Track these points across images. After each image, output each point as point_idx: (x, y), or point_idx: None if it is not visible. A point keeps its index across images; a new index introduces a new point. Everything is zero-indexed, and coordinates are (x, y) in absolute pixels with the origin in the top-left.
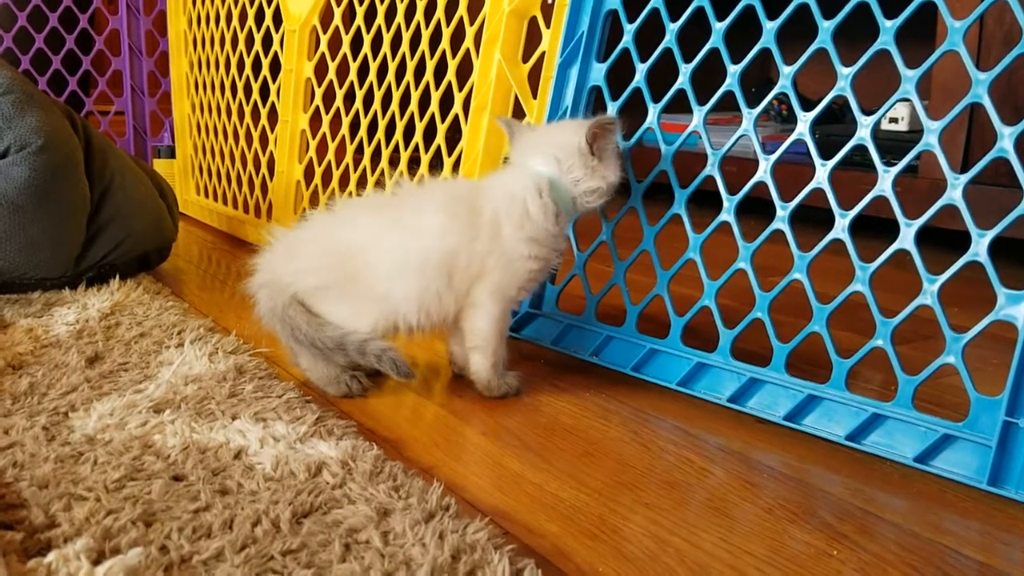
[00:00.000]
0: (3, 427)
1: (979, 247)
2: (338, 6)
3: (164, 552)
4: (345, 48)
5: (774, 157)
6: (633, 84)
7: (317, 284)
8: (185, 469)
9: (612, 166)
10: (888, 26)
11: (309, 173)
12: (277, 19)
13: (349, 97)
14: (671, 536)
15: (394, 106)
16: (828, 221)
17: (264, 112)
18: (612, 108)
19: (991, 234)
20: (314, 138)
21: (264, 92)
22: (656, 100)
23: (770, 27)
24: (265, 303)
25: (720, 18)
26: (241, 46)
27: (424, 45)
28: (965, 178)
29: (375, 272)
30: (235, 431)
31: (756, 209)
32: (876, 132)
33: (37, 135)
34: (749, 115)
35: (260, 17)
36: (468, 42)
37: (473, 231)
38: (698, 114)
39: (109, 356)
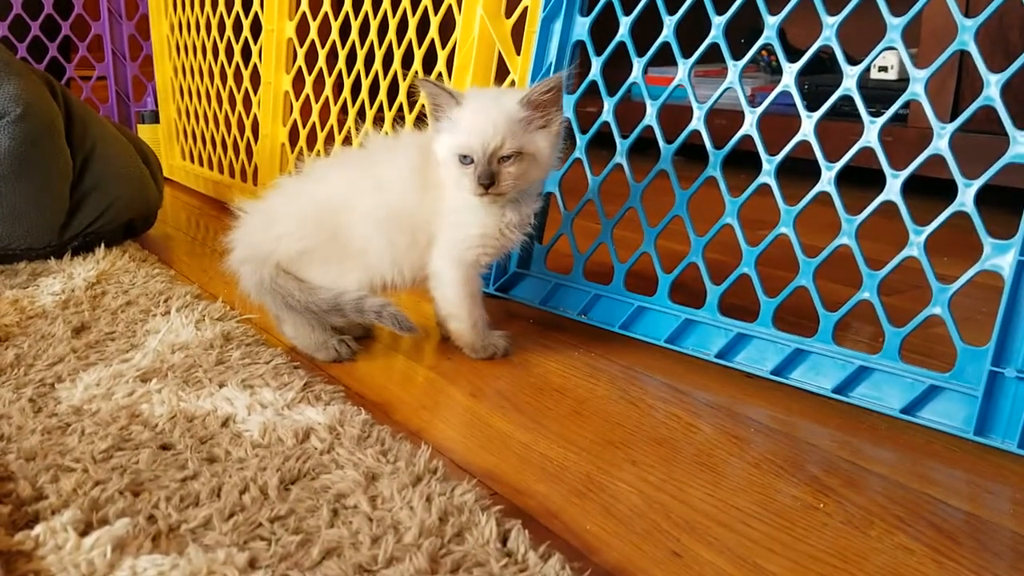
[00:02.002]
0: None
1: (965, 197)
2: None
3: (152, 521)
4: (326, 7)
5: (759, 110)
6: (617, 38)
7: (300, 248)
8: (173, 438)
9: (439, 142)
10: None
11: (294, 135)
12: None
13: (331, 57)
14: (658, 492)
15: (377, 65)
16: (817, 173)
17: (247, 74)
18: (596, 62)
19: (977, 183)
20: (297, 99)
21: (246, 54)
22: (641, 54)
23: None
24: (249, 277)
25: None
26: (221, 6)
27: (405, 2)
28: (951, 127)
29: (350, 229)
30: (222, 399)
31: (745, 161)
32: (865, 81)
33: (16, 104)
34: (735, 67)
35: None
36: None
37: (427, 188)
38: (683, 67)
39: (95, 326)
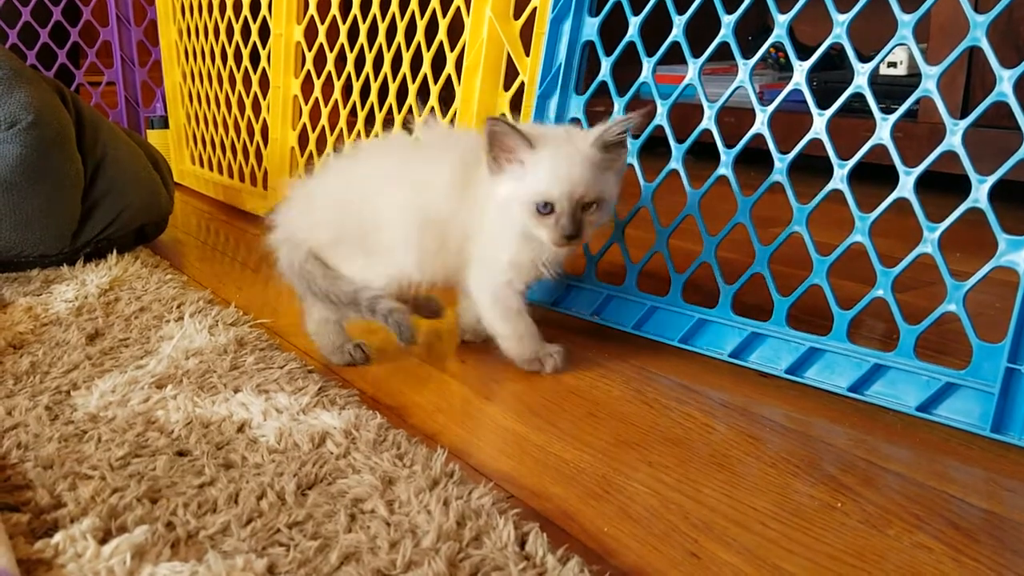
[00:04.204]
0: (6, 408)
1: (979, 193)
2: None
3: (170, 528)
4: (334, 10)
5: (771, 108)
6: (627, 38)
7: (329, 237)
8: (189, 444)
9: (503, 184)
10: None
11: (303, 139)
12: None
13: (340, 60)
14: (674, 493)
15: (386, 68)
16: (829, 170)
17: (255, 79)
18: (606, 63)
19: (991, 180)
20: (307, 103)
21: (255, 58)
22: (650, 53)
23: None
24: (284, 258)
25: None
26: (230, 11)
27: (414, 4)
28: (964, 124)
29: (379, 223)
30: (238, 404)
31: (756, 159)
32: (874, 78)
33: (27, 111)
34: (744, 66)
35: None
36: (458, 0)
37: (466, 197)
38: (693, 66)
39: (109, 332)
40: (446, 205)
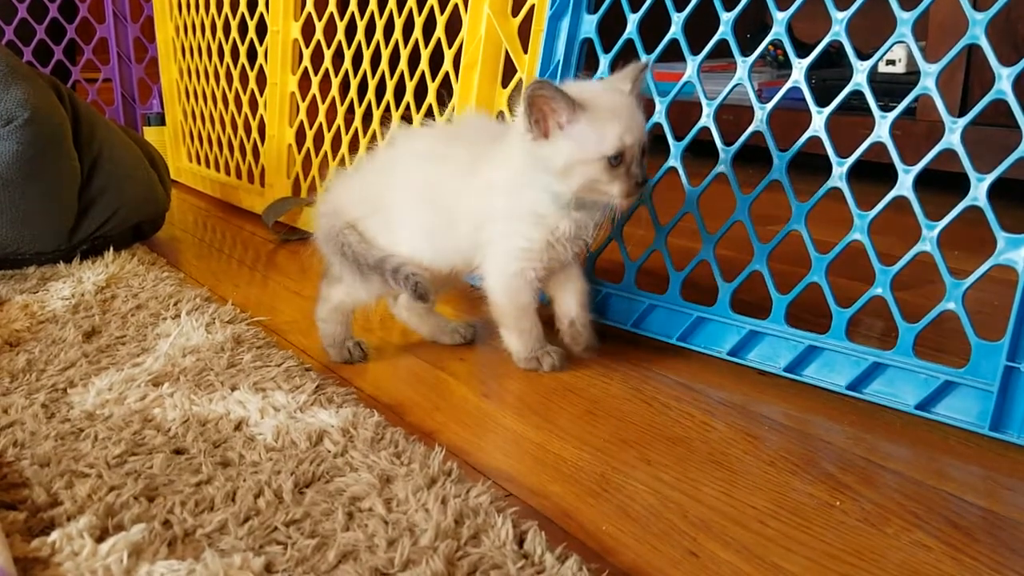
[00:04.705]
0: (2, 406)
1: (978, 191)
2: None
3: (167, 527)
4: (332, 7)
5: (769, 106)
6: (625, 35)
7: (365, 213)
8: (186, 442)
9: (559, 149)
10: None
11: (300, 136)
12: None
13: (338, 57)
14: (673, 492)
15: (383, 65)
16: (828, 167)
17: (252, 76)
18: (604, 60)
19: (990, 178)
20: (304, 100)
21: (252, 55)
22: (649, 51)
23: None
24: (324, 227)
25: None
26: (226, 8)
27: (411, 1)
28: (963, 122)
29: (395, 202)
30: (235, 402)
31: (754, 156)
32: (873, 75)
33: (23, 108)
34: (743, 64)
35: None
36: None
37: (474, 181)
38: (692, 64)
39: (106, 330)
40: (451, 186)
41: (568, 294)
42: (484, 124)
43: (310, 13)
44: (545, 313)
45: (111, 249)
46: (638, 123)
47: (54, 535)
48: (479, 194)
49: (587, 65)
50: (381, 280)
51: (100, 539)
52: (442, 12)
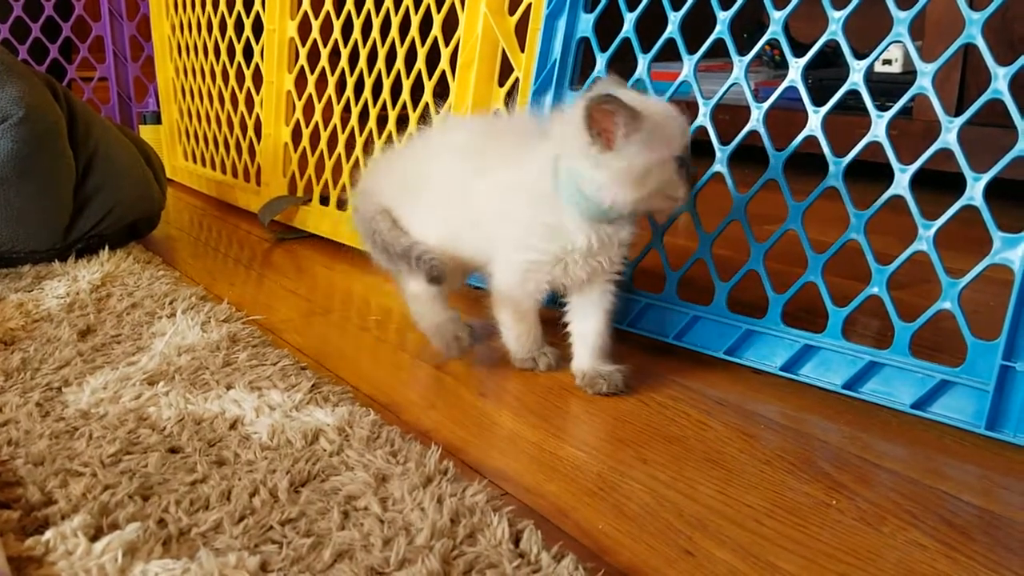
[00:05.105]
0: None
1: (974, 191)
2: None
3: (162, 525)
4: (328, 5)
5: (766, 105)
6: (622, 34)
7: (398, 196)
8: (181, 441)
9: (627, 159)
10: None
11: (297, 135)
12: None
13: (334, 55)
14: (669, 491)
15: (380, 63)
16: (825, 167)
17: (249, 74)
18: (601, 60)
19: (986, 178)
20: (300, 99)
21: (248, 53)
22: (646, 50)
23: None
24: (360, 208)
25: None
26: (223, 6)
27: (408, 0)
28: (959, 121)
29: (422, 188)
30: (230, 401)
31: (748, 156)
32: (870, 75)
33: (18, 106)
34: (740, 63)
35: None
36: None
37: (485, 182)
38: (688, 64)
39: (101, 329)
40: (478, 183)
41: (581, 338)
42: (529, 123)
43: (306, 11)
44: (547, 315)
45: (106, 248)
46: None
47: (48, 534)
48: (488, 195)
49: (584, 64)
50: (408, 267)
51: (94, 538)
52: (439, 10)
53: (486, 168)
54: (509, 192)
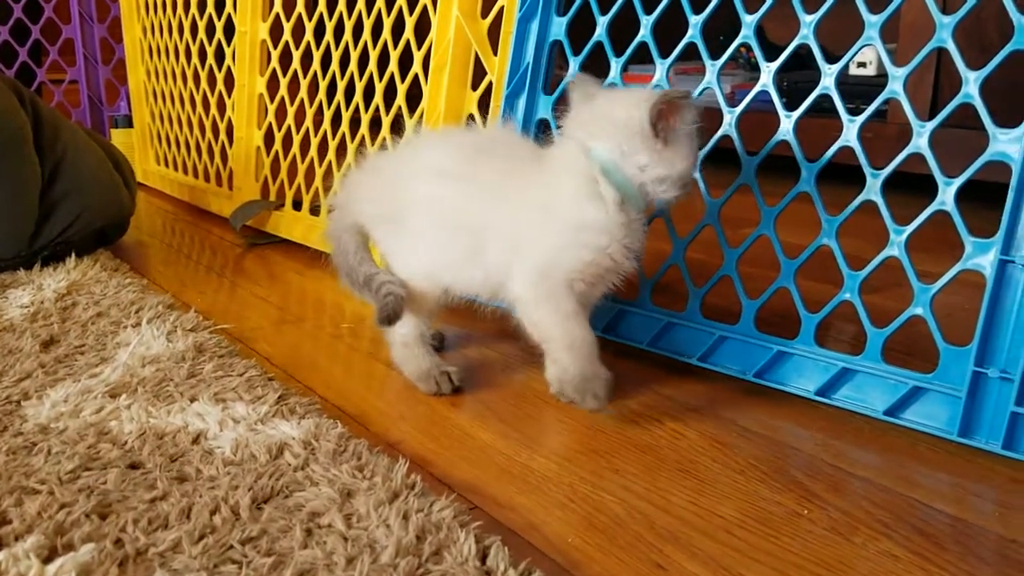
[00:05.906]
0: None
1: (946, 196)
2: None
3: (119, 546)
4: (300, 7)
5: (738, 110)
6: (594, 38)
7: (374, 213)
8: (142, 456)
9: (682, 151)
10: None
11: (269, 138)
12: None
13: (306, 58)
14: (641, 502)
15: (352, 66)
16: (795, 169)
17: (220, 77)
18: (574, 63)
19: (957, 183)
20: (272, 102)
21: (220, 56)
22: (619, 53)
23: None
24: (332, 223)
25: None
26: (194, 9)
27: (380, 3)
28: (931, 126)
29: (410, 213)
30: (194, 414)
31: (723, 159)
32: (844, 78)
33: None
34: (712, 67)
35: None
36: None
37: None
38: (661, 68)
39: (65, 339)
40: (482, 210)
41: None
42: (510, 139)
43: (278, 14)
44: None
45: (73, 255)
46: None
47: (0, 555)
48: (515, 214)
49: (557, 68)
50: (369, 296)
51: (48, 559)
52: (411, 13)
53: (495, 192)
54: (540, 203)
